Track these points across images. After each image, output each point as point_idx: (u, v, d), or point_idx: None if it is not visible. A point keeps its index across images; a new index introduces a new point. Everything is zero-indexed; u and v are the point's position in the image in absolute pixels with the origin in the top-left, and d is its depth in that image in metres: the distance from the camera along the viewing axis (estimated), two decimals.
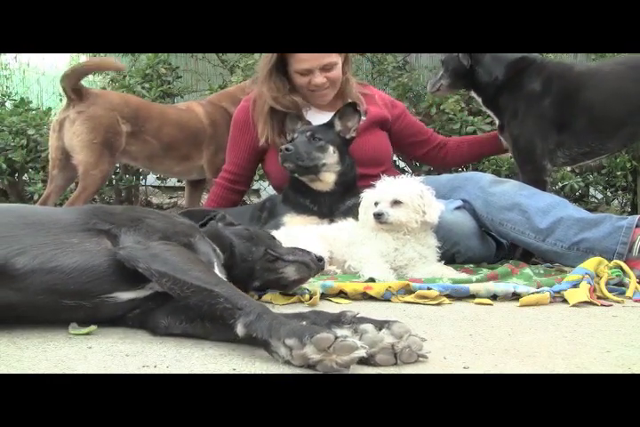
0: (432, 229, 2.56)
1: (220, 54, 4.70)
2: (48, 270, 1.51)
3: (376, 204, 2.49)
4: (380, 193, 2.51)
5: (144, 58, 4.58)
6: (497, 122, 3.08)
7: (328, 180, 2.89)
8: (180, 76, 4.74)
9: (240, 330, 1.36)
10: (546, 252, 2.64)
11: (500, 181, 2.83)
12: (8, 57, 6.42)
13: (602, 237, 2.48)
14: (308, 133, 2.85)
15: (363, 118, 2.97)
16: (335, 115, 2.93)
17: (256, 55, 4.33)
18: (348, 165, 2.93)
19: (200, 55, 4.91)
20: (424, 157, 3.48)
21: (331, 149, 2.86)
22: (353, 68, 3.39)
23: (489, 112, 3.13)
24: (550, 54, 4.19)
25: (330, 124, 2.91)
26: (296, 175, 2.88)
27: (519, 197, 2.67)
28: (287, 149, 2.78)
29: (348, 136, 2.93)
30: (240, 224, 2.16)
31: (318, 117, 3.07)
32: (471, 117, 4.07)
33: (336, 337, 1.24)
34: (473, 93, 3.16)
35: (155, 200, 5.28)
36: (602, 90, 2.86)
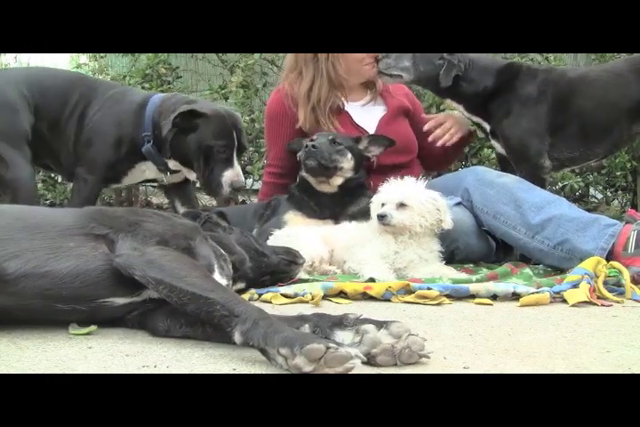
0: (437, 234, 2.56)
1: (220, 54, 4.70)
2: (40, 275, 1.50)
3: (383, 205, 2.49)
4: (386, 195, 2.51)
5: (144, 58, 4.58)
6: (487, 127, 3.07)
7: (335, 183, 2.93)
8: (180, 76, 4.74)
9: (237, 338, 1.35)
10: (532, 249, 2.63)
11: (500, 174, 2.84)
12: (8, 57, 6.40)
13: (585, 242, 2.48)
14: (330, 137, 2.90)
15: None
16: (368, 136, 3.01)
17: (256, 55, 4.33)
18: (359, 175, 2.98)
19: (200, 55, 4.90)
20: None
21: (349, 154, 2.91)
22: None
23: (475, 119, 3.09)
24: (551, 54, 4.20)
25: (356, 139, 2.98)
26: (308, 175, 2.89)
27: (517, 191, 2.68)
28: (314, 147, 2.82)
29: (365, 154, 3.00)
30: (230, 226, 2.19)
31: (351, 107, 3.16)
32: None
33: (327, 347, 1.22)
34: (449, 101, 3.10)
35: (155, 200, 5.27)
36: (589, 97, 2.89)
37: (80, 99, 2.87)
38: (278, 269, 2.18)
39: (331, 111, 3.08)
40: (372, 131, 3.11)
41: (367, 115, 3.16)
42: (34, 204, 2.68)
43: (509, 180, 2.76)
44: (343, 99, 3.17)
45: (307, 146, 2.83)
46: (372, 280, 2.26)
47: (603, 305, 2.08)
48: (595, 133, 2.94)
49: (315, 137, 2.92)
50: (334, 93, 3.10)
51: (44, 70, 3.20)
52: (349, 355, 1.24)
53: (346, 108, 3.15)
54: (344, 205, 2.91)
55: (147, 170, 2.92)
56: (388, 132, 3.08)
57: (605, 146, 3.00)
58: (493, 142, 3.11)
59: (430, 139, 3.13)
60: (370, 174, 3.04)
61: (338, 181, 2.92)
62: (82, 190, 2.83)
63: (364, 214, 2.71)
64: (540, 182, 2.83)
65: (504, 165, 3.11)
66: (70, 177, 2.91)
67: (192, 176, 2.90)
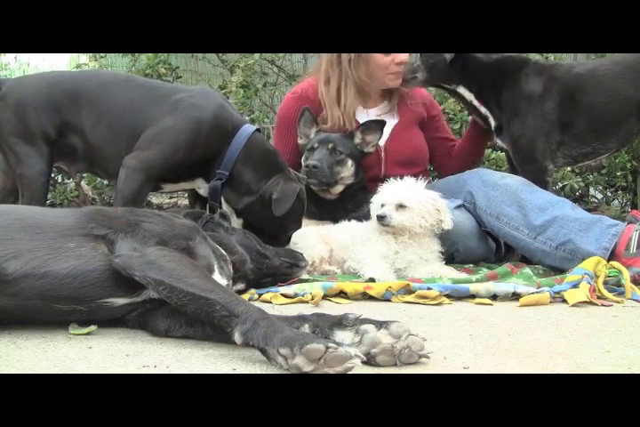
0: (437, 234, 2.56)
1: (220, 54, 4.70)
2: (40, 275, 1.50)
3: (382, 205, 2.49)
4: (386, 195, 2.51)
5: (144, 58, 4.57)
6: (493, 123, 3.06)
7: (336, 191, 2.94)
8: (180, 76, 4.73)
9: (237, 338, 1.36)
10: (534, 250, 2.63)
11: (504, 175, 2.85)
12: (8, 57, 6.40)
13: (588, 242, 2.49)
14: (330, 146, 2.87)
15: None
16: (358, 127, 2.97)
17: (256, 55, 4.33)
18: (360, 179, 2.97)
19: (200, 55, 4.90)
20: (435, 163, 3.43)
21: (349, 162, 2.90)
22: None
23: (483, 110, 3.06)
24: (551, 54, 4.20)
25: (350, 136, 2.95)
26: (311, 186, 2.88)
27: (520, 193, 2.68)
28: (314, 167, 2.79)
29: (365, 150, 2.97)
30: (232, 227, 2.19)
31: (361, 113, 3.13)
32: (471, 117, 4.06)
33: (327, 347, 1.22)
34: (462, 89, 3.07)
35: (155, 200, 5.27)
36: (599, 91, 2.88)
37: (132, 100, 2.66)
38: (279, 272, 2.18)
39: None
40: (382, 140, 3.07)
41: None
42: (39, 201, 2.64)
43: (513, 181, 2.76)
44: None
45: (307, 166, 2.81)
46: (372, 280, 2.26)
47: (603, 305, 2.08)
48: (606, 127, 2.93)
49: (315, 144, 2.89)
50: (359, 98, 3.06)
51: (82, 72, 3.17)
52: (349, 355, 1.24)
53: (357, 116, 3.11)
54: (346, 211, 2.91)
55: (201, 188, 2.68)
56: (399, 142, 3.07)
57: (617, 139, 2.98)
58: (498, 140, 3.11)
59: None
60: (377, 185, 3.02)
61: (339, 189, 2.93)
62: (129, 183, 2.48)
63: (365, 219, 2.71)
64: (543, 185, 2.83)
65: (513, 162, 3.10)
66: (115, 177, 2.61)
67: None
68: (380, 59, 3.01)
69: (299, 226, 2.64)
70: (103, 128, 2.66)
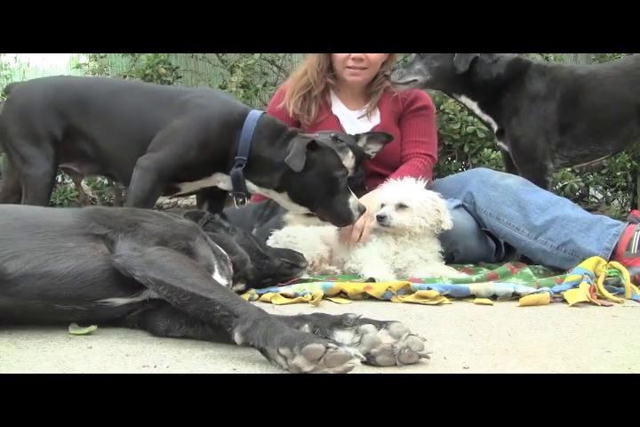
0: (437, 234, 2.56)
1: (220, 54, 4.71)
2: (40, 275, 1.50)
3: (382, 206, 2.49)
4: (386, 196, 2.51)
5: (144, 58, 4.58)
6: (495, 127, 3.06)
7: None
8: (180, 76, 4.74)
9: (237, 338, 1.36)
10: (535, 250, 2.64)
11: (504, 176, 2.85)
12: (8, 57, 6.41)
13: (589, 242, 2.49)
14: (332, 134, 2.90)
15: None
16: (367, 133, 3.00)
17: (256, 55, 4.33)
18: (359, 175, 2.97)
19: (200, 55, 4.91)
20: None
21: (350, 153, 2.91)
22: None
23: (485, 117, 3.07)
24: (551, 54, 4.21)
25: (355, 137, 2.98)
26: None
27: (521, 193, 2.68)
28: None
29: (365, 152, 2.99)
30: (232, 226, 2.19)
31: (344, 113, 3.16)
32: (471, 117, 4.07)
33: (327, 347, 1.22)
34: (464, 98, 3.07)
35: None
36: (600, 93, 2.90)
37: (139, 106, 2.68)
38: (279, 272, 2.18)
39: (316, 102, 3.10)
40: None
41: (359, 128, 3.14)
42: (42, 202, 2.64)
43: (513, 181, 2.76)
44: (335, 98, 3.17)
45: None
46: (372, 280, 2.26)
47: (603, 305, 2.08)
48: (606, 130, 2.94)
49: (316, 134, 2.91)
50: (323, 80, 3.13)
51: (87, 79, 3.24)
52: (349, 355, 1.24)
53: (339, 116, 3.15)
54: None
55: (221, 181, 2.63)
56: None
57: (616, 142, 3.01)
58: (500, 143, 3.11)
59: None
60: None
61: None
62: (141, 183, 2.47)
63: None
64: (543, 184, 2.84)
65: (510, 164, 3.10)
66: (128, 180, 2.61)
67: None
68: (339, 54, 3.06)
69: (344, 170, 2.56)
70: (114, 136, 2.67)
